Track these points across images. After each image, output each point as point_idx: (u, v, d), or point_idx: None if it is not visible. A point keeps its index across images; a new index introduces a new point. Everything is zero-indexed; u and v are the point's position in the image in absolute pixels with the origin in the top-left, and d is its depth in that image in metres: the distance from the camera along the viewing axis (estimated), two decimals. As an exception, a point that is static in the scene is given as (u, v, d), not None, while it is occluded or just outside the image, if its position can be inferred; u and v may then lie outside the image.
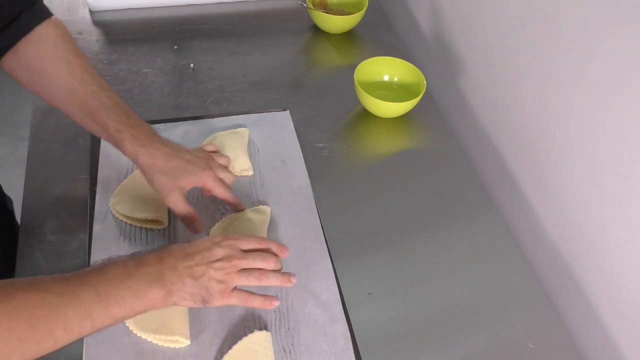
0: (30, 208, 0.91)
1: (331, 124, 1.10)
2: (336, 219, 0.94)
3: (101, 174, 0.95)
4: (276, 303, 0.76)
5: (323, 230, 0.91)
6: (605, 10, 0.79)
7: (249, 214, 0.91)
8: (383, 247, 0.91)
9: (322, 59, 1.28)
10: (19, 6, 0.79)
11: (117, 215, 0.89)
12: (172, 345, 0.76)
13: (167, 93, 1.13)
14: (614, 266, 0.84)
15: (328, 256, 0.88)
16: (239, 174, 0.97)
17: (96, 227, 0.88)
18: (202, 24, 1.29)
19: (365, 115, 1.12)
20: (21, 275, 0.82)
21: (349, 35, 1.31)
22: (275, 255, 0.77)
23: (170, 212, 0.90)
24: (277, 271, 0.76)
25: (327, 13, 1.27)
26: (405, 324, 0.83)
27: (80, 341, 0.75)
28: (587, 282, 0.90)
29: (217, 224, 0.89)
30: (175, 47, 1.23)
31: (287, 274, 0.76)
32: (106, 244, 0.86)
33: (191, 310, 0.80)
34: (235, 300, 0.73)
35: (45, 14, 0.82)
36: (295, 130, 1.06)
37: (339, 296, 0.83)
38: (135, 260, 0.68)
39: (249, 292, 0.75)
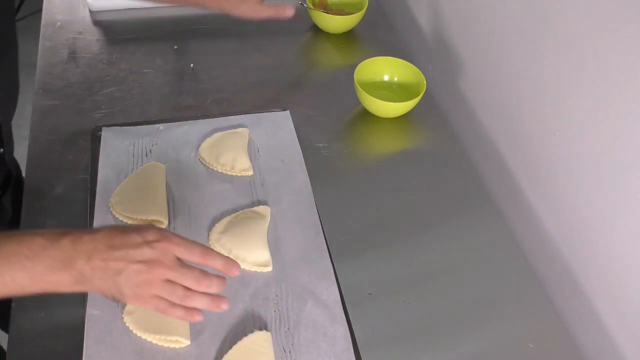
0: (31, 208, 0.91)
1: (331, 124, 1.10)
2: (336, 219, 0.94)
3: (101, 174, 0.95)
4: (198, 317, 0.67)
5: (323, 230, 0.91)
6: (605, 10, 0.79)
7: (249, 214, 0.91)
8: (383, 247, 0.91)
9: (322, 59, 1.28)
10: None
11: (117, 215, 0.89)
12: (172, 345, 0.76)
13: (167, 93, 1.13)
14: (614, 266, 0.84)
15: (328, 256, 0.88)
16: (239, 174, 0.97)
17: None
18: (202, 24, 1.29)
19: (365, 115, 1.12)
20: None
21: (349, 35, 1.31)
22: (217, 274, 0.68)
23: (169, 212, 0.90)
24: (206, 294, 0.67)
25: (327, 13, 1.27)
26: (405, 324, 0.83)
27: (80, 341, 0.75)
28: (587, 282, 0.90)
29: (217, 224, 0.89)
30: (175, 47, 1.23)
31: (218, 298, 0.67)
32: (106, 244, 0.86)
33: (191, 310, 0.80)
34: (151, 307, 0.66)
35: None
36: (295, 130, 1.06)
37: (339, 296, 0.83)
38: (46, 237, 0.62)
39: (170, 303, 0.66)
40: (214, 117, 1.07)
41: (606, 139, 0.82)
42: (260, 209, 0.92)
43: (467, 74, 1.19)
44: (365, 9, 1.27)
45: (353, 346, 0.78)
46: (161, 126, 1.03)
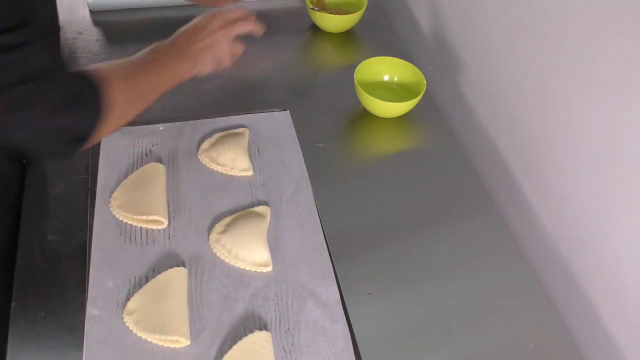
0: (31, 208, 0.91)
1: (331, 124, 1.10)
2: (336, 219, 0.94)
3: (101, 174, 0.95)
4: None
5: (323, 230, 0.91)
6: (605, 10, 0.79)
7: (249, 214, 0.91)
8: (383, 247, 0.91)
9: (322, 59, 1.28)
10: None
11: (117, 215, 0.89)
12: (172, 345, 0.76)
13: (167, 93, 1.12)
14: (614, 266, 0.84)
15: (328, 256, 0.88)
16: (239, 174, 0.98)
17: (96, 227, 0.88)
18: (202, 24, 1.29)
19: (365, 115, 1.12)
20: (20, 276, 0.82)
21: (349, 35, 1.31)
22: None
23: (169, 212, 0.91)
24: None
25: (319, 11, 1.27)
26: (405, 324, 0.83)
27: (80, 341, 0.76)
28: (587, 282, 0.90)
29: (217, 224, 0.89)
30: (175, 47, 1.23)
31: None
32: (106, 244, 0.86)
33: (191, 310, 0.80)
34: (239, 51, 0.95)
35: None
36: (295, 130, 1.06)
37: (339, 296, 0.83)
38: (160, 43, 0.88)
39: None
40: (214, 117, 1.07)
41: (606, 138, 0.82)
42: (260, 209, 0.92)
43: (467, 74, 1.19)
44: (364, 7, 1.27)
45: (353, 346, 0.78)
46: (161, 126, 1.03)
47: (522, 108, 1.01)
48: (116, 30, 1.26)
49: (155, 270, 0.83)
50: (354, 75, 1.10)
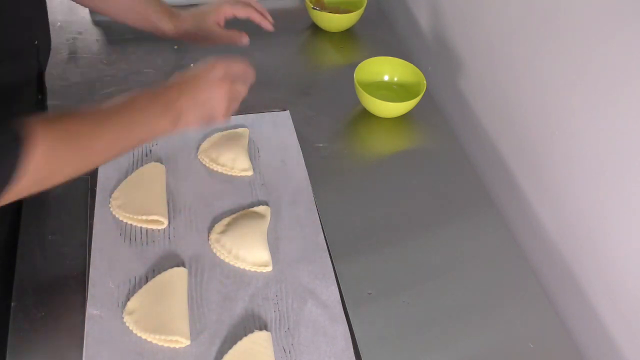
0: (31, 208, 0.91)
1: (331, 124, 1.10)
2: (336, 219, 0.94)
3: (101, 174, 0.95)
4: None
5: (323, 230, 0.91)
6: (605, 10, 0.79)
7: (249, 214, 0.91)
8: (383, 247, 0.91)
9: (322, 58, 1.28)
10: None
11: (117, 215, 0.89)
12: (172, 345, 0.76)
13: (167, 93, 1.12)
14: (614, 266, 0.84)
15: (328, 256, 0.88)
16: (239, 174, 0.98)
17: (96, 227, 0.88)
18: (202, 24, 1.29)
19: (365, 115, 1.12)
20: (20, 276, 0.82)
21: (349, 35, 1.31)
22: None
23: (170, 212, 0.91)
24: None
25: (321, 11, 1.27)
26: (405, 324, 0.83)
27: (80, 341, 0.76)
28: (587, 282, 0.90)
29: (217, 224, 0.89)
30: (175, 47, 1.23)
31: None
32: (106, 244, 0.86)
33: (191, 310, 0.80)
34: (230, 111, 0.84)
35: None
36: (295, 130, 1.06)
37: (339, 296, 0.83)
38: (150, 91, 0.77)
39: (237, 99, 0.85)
40: (214, 117, 1.06)
41: (606, 138, 0.82)
42: (260, 209, 0.92)
43: (467, 74, 1.19)
44: (364, 7, 1.28)
45: (353, 346, 0.78)
46: (161, 126, 1.03)
47: (522, 108, 1.01)
48: (116, 30, 1.26)
49: (155, 270, 0.83)
50: (354, 75, 1.10)
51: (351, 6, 1.31)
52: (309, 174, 0.99)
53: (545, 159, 0.96)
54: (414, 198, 0.99)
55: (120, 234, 0.87)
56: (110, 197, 0.91)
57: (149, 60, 1.18)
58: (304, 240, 0.89)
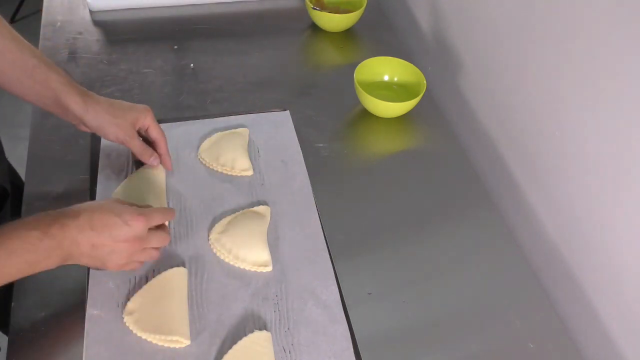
0: (31, 208, 0.91)
1: (331, 124, 1.10)
2: (336, 219, 0.94)
3: (101, 174, 0.95)
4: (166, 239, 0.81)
5: (323, 230, 0.91)
6: (605, 10, 0.79)
7: (249, 214, 0.91)
8: (383, 247, 0.91)
9: (322, 58, 1.28)
10: None
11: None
12: (172, 345, 0.76)
13: (167, 93, 1.13)
14: (614, 266, 0.84)
15: (328, 256, 0.88)
16: (239, 174, 0.98)
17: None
18: (202, 24, 1.29)
19: (365, 115, 1.12)
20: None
21: (349, 35, 1.31)
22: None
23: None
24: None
25: (321, 11, 1.27)
26: (405, 324, 0.83)
27: (80, 341, 0.76)
28: (587, 282, 0.90)
29: (217, 224, 0.89)
30: (175, 47, 1.23)
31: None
32: (106, 244, 0.86)
33: (191, 310, 0.80)
34: (129, 268, 0.78)
35: None
36: (295, 130, 1.06)
37: (339, 296, 0.83)
38: (40, 229, 0.68)
39: (140, 262, 0.79)
40: (214, 117, 1.07)
41: (606, 139, 0.82)
42: (260, 209, 0.92)
43: (467, 74, 1.19)
44: (364, 6, 1.28)
45: (353, 346, 0.78)
46: (161, 126, 1.03)
47: (522, 108, 1.01)
48: (116, 30, 1.26)
49: (155, 270, 0.83)
50: (354, 75, 1.10)
51: (351, 6, 1.31)
52: (309, 174, 0.99)
53: (545, 159, 0.96)
54: (414, 198, 0.99)
55: (120, 234, 0.87)
56: (110, 197, 0.91)
57: (149, 60, 1.19)
58: (304, 240, 0.90)
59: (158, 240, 0.79)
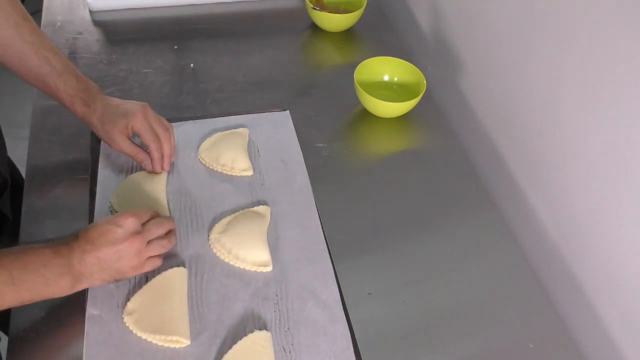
0: (31, 208, 0.91)
1: (331, 124, 1.10)
2: (336, 219, 0.94)
3: (101, 174, 0.95)
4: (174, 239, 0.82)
5: (323, 230, 0.91)
6: (605, 10, 0.79)
7: (249, 214, 0.91)
8: (383, 247, 0.91)
9: (322, 58, 1.28)
10: None
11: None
12: (172, 345, 0.76)
13: (167, 93, 1.13)
14: (614, 266, 0.84)
15: (328, 256, 0.88)
16: (239, 174, 0.98)
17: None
18: (202, 24, 1.29)
19: (365, 115, 1.12)
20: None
21: (349, 35, 1.31)
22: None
23: (170, 212, 0.91)
24: (172, 231, 0.82)
25: (321, 11, 1.27)
26: (405, 324, 0.83)
27: (80, 341, 0.76)
28: (587, 282, 0.90)
29: (217, 224, 0.89)
30: (175, 47, 1.23)
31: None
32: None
33: (191, 310, 0.80)
34: (147, 269, 0.79)
35: None
36: (295, 130, 1.06)
37: (339, 296, 0.83)
38: (50, 248, 0.71)
39: (159, 257, 0.80)
40: (214, 117, 1.07)
41: (606, 139, 0.82)
42: (260, 209, 0.92)
43: (467, 74, 1.19)
44: (364, 6, 1.28)
45: (353, 346, 0.78)
46: (161, 126, 1.03)
47: (522, 108, 1.01)
48: (116, 30, 1.26)
49: (155, 270, 0.83)
50: (354, 75, 1.10)
51: (351, 6, 1.31)
52: (309, 174, 0.99)
53: (545, 159, 0.96)
54: (414, 198, 0.99)
55: (120, 234, 0.87)
56: (110, 197, 0.91)
57: (149, 60, 1.19)
58: (304, 240, 0.90)
59: (157, 227, 0.79)
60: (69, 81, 0.89)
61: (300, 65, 1.25)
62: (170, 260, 0.85)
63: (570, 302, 0.93)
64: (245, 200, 0.94)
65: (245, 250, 0.86)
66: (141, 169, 0.95)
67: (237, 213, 0.91)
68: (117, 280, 0.76)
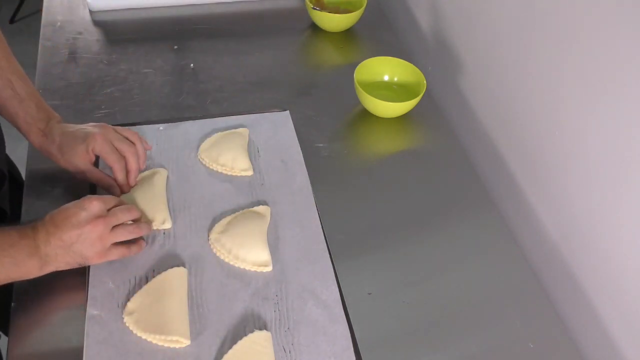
0: (31, 208, 0.91)
1: (331, 124, 1.10)
2: (336, 219, 0.94)
3: (101, 174, 0.95)
4: (144, 244, 0.83)
5: (323, 230, 0.91)
6: (605, 10, 0.79)
7: (249, 214, 0.91)
8: (383, 247, 0.91)
9: (322, 58, 1.28)
10: None
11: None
12: (172, 345, 0.76)
13: (167, 93, 1.13)
14: (614, 266, 0.84)
15: (328, 256, 0.88)
16: (239, 174, 0.98)
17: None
18: (202, 24, 1.29)
19: (365, 115, 1.12)
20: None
21: (349, 35, 1.31)
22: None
23: (170, 212, 0.91)
24: (141, 220, 0.83)
25: (321, 11, 1.27)
26: (405, 324, 0.83)
27: (80, 341, 0.75)
28: (587, 282, 0.90)
29: (217, 224, 0.89)
30: (175, 47, 1.23)
31: (146, 223, 0.84)
32: (106, 244, 0.86)
33: (191, 310, 0.80)
34: (113, 256, 0.79)
35: None
36: (295, 130, 1.06)
37: (339, 296, 0.83)
38: (17, 230, 0.73)
39: (126, 245, 0.80)
40: (214, 117, 1.07)
41: (606, 138, 0.82)
42: (260, 209, 0.92)
43: (467, 74, 1.19)
44: (364, 6, 1.28)
45: (353, 346, 0.78)
46: (161, 126, 1.03)
47: (522, 108, 1.01)
48: (116, 30, 1.26)
49: (155, 270, 0.83)
50: (354, 75, 1.10)
51: (351, 6, 1.31)
52: (309, 174, 0.99)
53: (545, 159, 0.96)
54: (414, 198, 0.99)
55: (120, 234, 0.87)
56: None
57: (149, 60, 1.19)
58: (304, 240, 0.89)
59: (123, 213, 0.79)
60: (28, 108, 0.87)
61: (300, 65, 1.25)
62: (170, 260, 0.85)
63: (570, 302, 0.93)
64: (245, 200, 0.94)
65: (245, 250, 0.86)
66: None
67: (237, 213, 0.91)
68: (80, 265, 0.77)
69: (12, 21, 2.74)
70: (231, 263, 0.85)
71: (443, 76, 1.26)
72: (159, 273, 0.82)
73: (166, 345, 0.76)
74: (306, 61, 1.27)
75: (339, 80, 1.18)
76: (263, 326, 0.79)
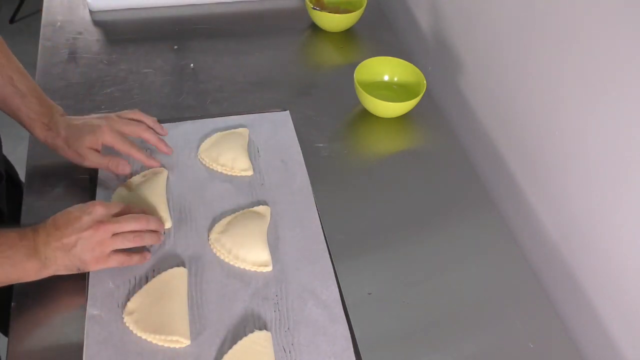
0: (31, 208, 0.91)
1: (331, 124, 1.10)
2: (336, 219, 0.94)
3: (101, 174, 0.95)
4: (148, 256, 0.82)
5: (323, 230, 0.91)
6: (605, 10, 0.79)
7: (249, 214, 0.91)
8: (383, 247, 0.91)
9: (322, 58, 1.28)
10: None
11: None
12: (172, 345, 0.76)
13: (167, 93, 1.13)
14: (614, 266, 0.84)
15: (328, 256, 0.88)
16: (239, 174, 0.98)
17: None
18: (202, 24, 1.29)
19: (365, 115, 1.12)
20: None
21: (349, 35, 1.31)
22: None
23: (170, 212, 0.91)
24: (152, 231, 0.81)
25: (321, 11, 1.27)
26: (405, 324, 0.83)
27: (80, 341, 0.75)
28: (587, 282, 0.90)
29: (217, 224, 0.89)
30: (175, 47, 1.23)
31: (158, 233, 0.82)
32: (106, 244, 0.86)
33: (191, 310, 0.80)
34: (113, 264, 0.78)
35: None
36: (295, 130, 1.06)
37: (339, 296, 0.83)
38: (17, 232, 0.73)
39: (127, 253, 0.79)
40: (213, 117, 1.07)
41: (606, 138, 0.82)
42: (260, 209, 0.92)
43: (467, 74, 1.19)
44: (364, 7, 1.28)
45: (353, 346, 0.78)
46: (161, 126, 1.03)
47: (522, 108, 1.01)
48: (116, 30, 1.26)
49: (155, 270, 0.83)
50: (354, 75, 1.10)
51: (351, 6, 1.31)
52: (309, 174, 0.99)
53: (545, 159, 0.96)
54: (414, 198, 0.99)
55: (120, 234, 0.87)
56: (110, 197, 0.91)
57: (149, 60, 1.19)
58: (304, 240, 0.89)
59: (129, 222, 0.78)
60: (31, 104, 0.88)
61: (300, 65, 1.25)
62: (170, 260, 0.85)
63: (570, 302, 0.93)
64: (245, 200, 0.94)
65: (245, 250, 0.86)
66: (141, 170, 0.95)
67: (237, 213, 0.91)
68: (80, 270, 0.77)
69: (12, 21, 2.74)
70: (231, 263, 0.85)
71: (443, 76, 1.26)
72: (159, 273, 0.82)
73: (166, 345, 0.76)
74: (306, 61, 1.27)
75: (339, 80, 1.18)
76: (263, 326, 0.79)
